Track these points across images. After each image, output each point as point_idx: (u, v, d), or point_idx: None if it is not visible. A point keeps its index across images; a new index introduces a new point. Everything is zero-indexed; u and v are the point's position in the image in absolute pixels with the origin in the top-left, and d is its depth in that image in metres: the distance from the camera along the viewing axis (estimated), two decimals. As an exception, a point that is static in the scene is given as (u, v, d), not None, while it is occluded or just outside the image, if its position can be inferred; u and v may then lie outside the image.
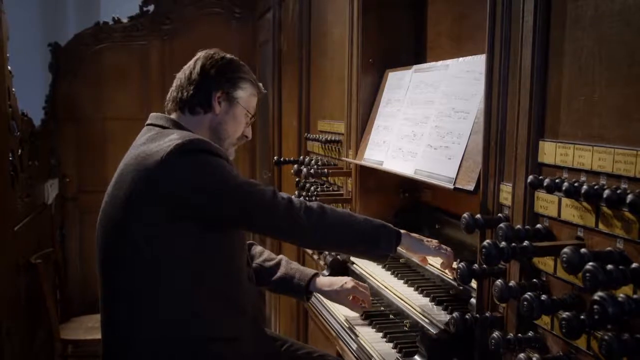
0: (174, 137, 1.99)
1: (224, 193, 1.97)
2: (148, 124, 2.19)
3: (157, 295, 1.98)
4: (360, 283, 2.37)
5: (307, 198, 2.95)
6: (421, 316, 2.06)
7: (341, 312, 2.42)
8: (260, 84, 2.34)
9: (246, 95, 2.25)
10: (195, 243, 1.99)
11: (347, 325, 2.33)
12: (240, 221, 2.06)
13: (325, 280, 2.40)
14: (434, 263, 2.27)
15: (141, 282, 1.99)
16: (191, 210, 1.96)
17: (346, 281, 2.35)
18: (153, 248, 1.96)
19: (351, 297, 2.33)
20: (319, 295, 2.56)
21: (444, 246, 2.15)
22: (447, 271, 2.15)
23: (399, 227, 2.74)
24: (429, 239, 2.17)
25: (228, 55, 2.27)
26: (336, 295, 2.35)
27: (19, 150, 3.78)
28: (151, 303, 1.99)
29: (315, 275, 2.42)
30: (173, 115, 2.21)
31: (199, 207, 1.96)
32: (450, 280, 2.15)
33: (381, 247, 2.07)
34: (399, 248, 2.11)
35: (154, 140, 2.04)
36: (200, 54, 2.26)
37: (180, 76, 2.24)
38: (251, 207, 2.00)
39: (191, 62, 2.25)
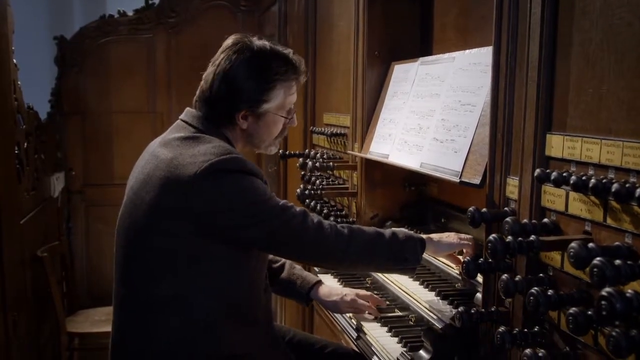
0: (208, 152, 1.90)
1: (252, 217, 1.90)
2: (183, 120, 2.08)
3: (173, 308, 1.94)
4: (361, 293, 2.32)
5: (312, 191, 2.94)
6: (427, 311, 2.05)
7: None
8: (299, 67, 2.09)
9: (278, 102, 2.05)
10: (219, 260, 1.94)
11: (352, 319, 2.32)
12: (267, 245, 2.00)
13: (325, 290, 2.35)
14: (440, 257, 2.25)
15: (159, 292, 1.94)
16: (218, 230, 1.90)
17: (346, 293, 2.30)
18: (175, 261, 1.92)
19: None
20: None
21: (462, 235, 2.12)
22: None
23: (405, 222, 2.78)
24: (447, 234, 2.14)
25: (259, 51, 2.03)
26: (334, 307, 2.32)
27: (25, 144, 3.78)
28: (166, 314, 1.94)
29: (317, 283, 2.38)
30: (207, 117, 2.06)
31: (227, 228, 1.90)
32: (456, 275, 2.14)
33: (409, 261, 2.04)
34: (425, 254, 2.08)
35: (188, 145, 1.94)
36: (228, 49, 2.03)
37: (207, 77, 2.05)
38: (281, 232, 1.93)
39: (218, 57, 2.04)
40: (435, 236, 2.12)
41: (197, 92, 2.10)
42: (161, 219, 1.91)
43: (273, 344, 2.16)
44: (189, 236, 1.90)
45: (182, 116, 2.11)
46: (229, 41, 2.07)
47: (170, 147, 1.98)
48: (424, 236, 2.09)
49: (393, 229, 2.13)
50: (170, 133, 2.07)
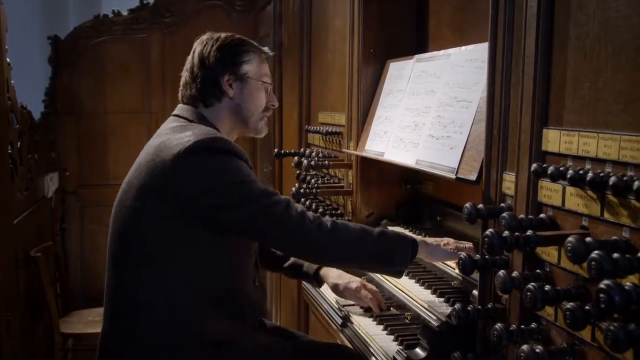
0: (194, 133, 1.96)
1: (235, 197, 1.90)
2: (174, 114, 2.17)
3: (158, 293, 1.95)
4: (368, 286, 2.30)
5: (307, 190, 2.92)
6: (423, 309, 2.04)
7: (342, 304, 2.40)
8: (265, 48, 2.28)
9: (254, 67, 2.18)
10: (202, 243, 1.95)
11: (347, 315, 2.31)
12: (248, 229, 1.97)
13: (332, 273, 2.34)
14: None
15: (146, 276, 1.96)
16: (201, 211, 1.91)
17: (353, 280, 2.29)
18: (160, 243, 1.94)
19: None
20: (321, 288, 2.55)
21: (461, 245, 2.03)
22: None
23: (400, 220, 2.76)
24: (446, 242, 2.05)
25: (221, 35, 2.21)
26: (336, 289, 2.34)
27: (18, 143, 3.76)
28: (151, 300, 1.95)
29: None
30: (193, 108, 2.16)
31: (208, 209, 1.91)
32: (452, 272, 2.13)
33: (396, 263, 1.97)
34: (417, 256, 2.02)
35: (176, 132, 2.01)
36: (195, 44, 2.21)
37: (185, 73, 2.21)
38: (262, 217, 1.92)
39: (190, 56, 2.21)
40: (431, 240, 2.06)
41: (181, 86, 2.21)
42: (147, 201, 1.94)
43: (261, 332, 2.18)
44: (174, 219, 1.91)
45: (174, 112, 2.20)
46: (195, 43, 2.23)
47: (160, 137, 2.04)
48: (419, 239, 2.03)
49: (384, 228, 2.10)
50: (162, 126, 2.14)
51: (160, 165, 1.92)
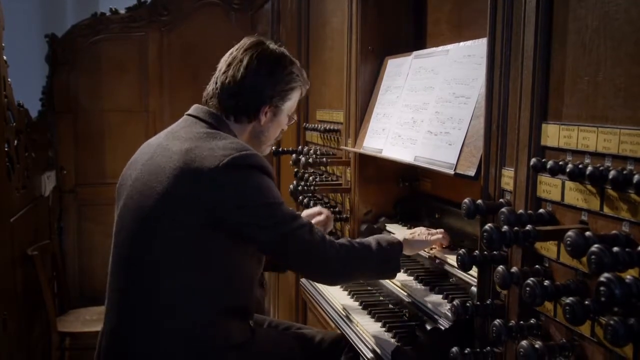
0: (227, 147, 1.94)
1: (266, 218, 1.92)
2: (191, 115, 2.12)
3: (177, 297, 1.93)
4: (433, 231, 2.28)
5: (305, 188, 2.91)
6: (421, 305, 2.04)
7: (339, 302, 2.39)
8: (306, 77, 2.26)
9: (292, 103, 2.21)
10: (223, 251, 1.95)
11: (344, 314, 2.30)
12: (272, 249, 2.02)
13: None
14: (433, 251, 2.24)
15: (164, 281, 1.93)
16: (229, 225, 1.91)
17: (421, 231, 2.28)
18: (182, 249, 1.92)
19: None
20: (319, 285, 2.55)
21: (432, 231, 2.22)
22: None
23: (398, 218, 2.75)
24: (419, 232, 2.22)
25: (282, 56, 2.16)
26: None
27: (15, 141, 3.75)
28: (169, 304, 1.93)
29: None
30: (218, 113, 2.12)
31: (238, 224, 1.92)
32: (450, 269, 2.12)
33: (393, 267, 2.11)
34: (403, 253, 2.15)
35: (204, 140, 1.97)
36: (255, 49, 2.12)
37: (227, 75, 2.11)
38: (288, 239, 1.96)
39: (239, 55, 2.12)
40: (408, 236, 2.18)
41: (212, 89, 2.14)
42: (172, 208, 1.91)
43: (268, 330, 2.21)
44: (198, 228, 1.90)
45: (191, 112, 2.14)
46: (246, 42, 2.17)
47: (183, 140, 1.99)
48: (400, 237, 2.15)
49: (375, 237, 2.15)
50: (179, 128, 2.09)
51: (191, 175, 1.89)
